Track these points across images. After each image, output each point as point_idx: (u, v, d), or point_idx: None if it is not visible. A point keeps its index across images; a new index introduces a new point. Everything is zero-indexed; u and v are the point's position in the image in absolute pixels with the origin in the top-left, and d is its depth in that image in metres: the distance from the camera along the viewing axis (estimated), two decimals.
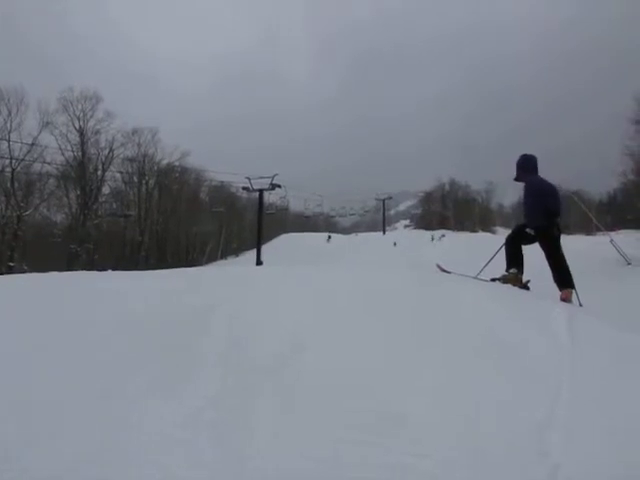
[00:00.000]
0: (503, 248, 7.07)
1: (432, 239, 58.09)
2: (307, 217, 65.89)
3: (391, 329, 3.92)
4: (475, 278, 6.98)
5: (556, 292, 6.36)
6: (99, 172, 58.65)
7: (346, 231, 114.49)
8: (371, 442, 2.45)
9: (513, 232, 7.19)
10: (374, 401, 2.84)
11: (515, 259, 6.82)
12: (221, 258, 74.89)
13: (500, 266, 6.92)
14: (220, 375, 3.29)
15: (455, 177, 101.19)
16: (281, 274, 6.53)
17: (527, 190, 6.94)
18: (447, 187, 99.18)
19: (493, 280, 6.75)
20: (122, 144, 61.57)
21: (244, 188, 40.97)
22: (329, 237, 64.37)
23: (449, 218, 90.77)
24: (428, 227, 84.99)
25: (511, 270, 6.75)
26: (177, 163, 67.56)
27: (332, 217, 69.85)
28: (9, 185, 50.48)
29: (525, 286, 6.55)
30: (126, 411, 2.88)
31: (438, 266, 8.24)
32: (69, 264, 48.84)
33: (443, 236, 61.09)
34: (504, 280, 6.65)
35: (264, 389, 3.06)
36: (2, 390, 3.10)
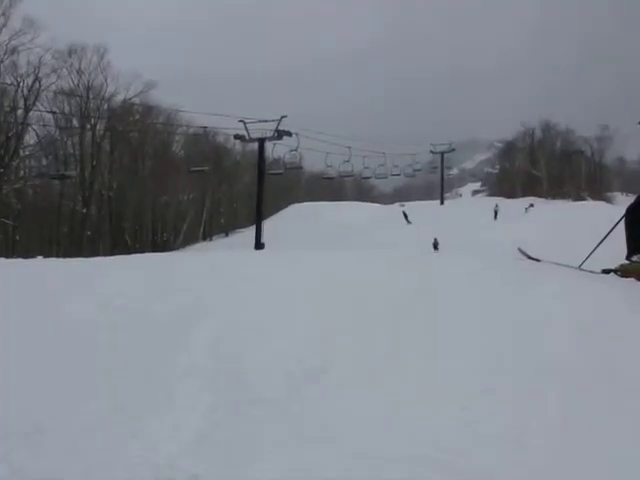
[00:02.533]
0: (622, 225, 6.99)
1: (495, 215, 54.98)
2: (329, 179, 65.57)
3: (442, 358, 3.95)
4: (579, 269, 6.93)
5: None
6: (20, 111, 57.93)
7: (386, 199, 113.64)
8: None
9: (638, 200, 7.09)
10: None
11: None
12: (204, 239, 75.06)
13: (617, 252, 6.85)
14: (205, 407, 3.35)
15: (551, 119, 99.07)
16: (287, 267, 6.59)
17: None
18: (538, 134, 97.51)
19: (606, 272, 6.69)
20: (54, 70, 60.53)
21: (237, 137, 40.82)
22: (405, 216, 57.90)
23: (540, 180, 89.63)
24: (509, 193, 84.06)
25: (634, 258, 6.68)
26: (137, 100, 67.32)
27: (366, 179, 69.29)
28: None
29: None
30: (62, 460, 2.92)
31: (521, 251, 8.20)
32: None
33: (531, 206, 60.14)
34: (623, 272, 6.57)
35: (265, 428, 3.10)
36: None
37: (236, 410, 3.29)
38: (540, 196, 76.81)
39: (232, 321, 4.59)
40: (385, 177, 59.65)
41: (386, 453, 2.85)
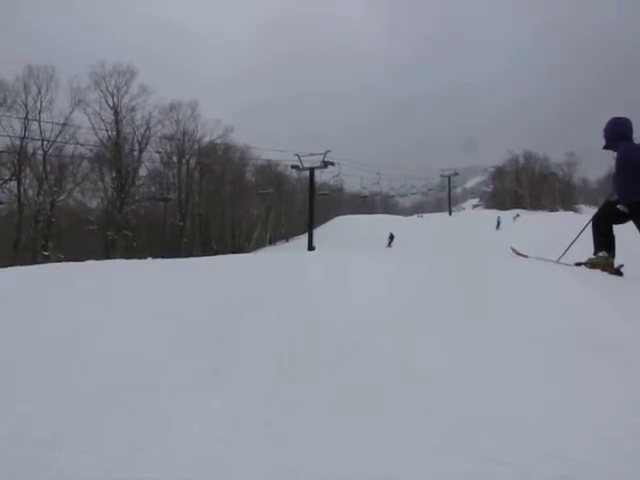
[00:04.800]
0: (589, 229, 6.86)
1: (498, 225, 52.50)
2: (363, 197, 65.72)
3: (464, 326, 3.88)
4: (557, 263, 6.81)
5: None
6: (135, 152, 60.05)
7: (407, 212, 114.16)
8: (442, 447, 2.43)
9: (601, 210, 6.95)
10: (446, 403, 2.82)
11: (605, 241, 6.59)
12: (269, 244, 75.82)
13: (585, 250, 6.72)
14: (274, 369, 3.35)
15: (531, 149, 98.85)
16: (337, 262, 6.59)
17: (619, 159, 6.63)
18: (521, 160, 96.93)
19: (578, 265, 6.56)
20: (159, 121, 62.96)
21: (293, 167, 41.31)
22: (391, 238, 50.14)
23: (524, 196, 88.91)
24: (500, 206, 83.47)
25: (600, 253, 6.53)
26: (219, 141, 68.45)
27: (391, 197, 69.45)
28: (41, 169, 52.30)
29: (617, 272, 6.32)
30: (168, 406, 2.94)
31: (513, 250, 8.08)
32: (107, 252, 50.36)
33: (517, 216, 59.48)
34: (592, 265, 6.44)
35: (323, 387, 3.09)
36: (37, 381, 3.24)
37: (298, 373, 3.27)
38: (524, 208, 76.48)
39: (291, 304, 4.59)
40: (405, 195, 60.06)
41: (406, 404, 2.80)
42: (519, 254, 7.74)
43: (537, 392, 2.87)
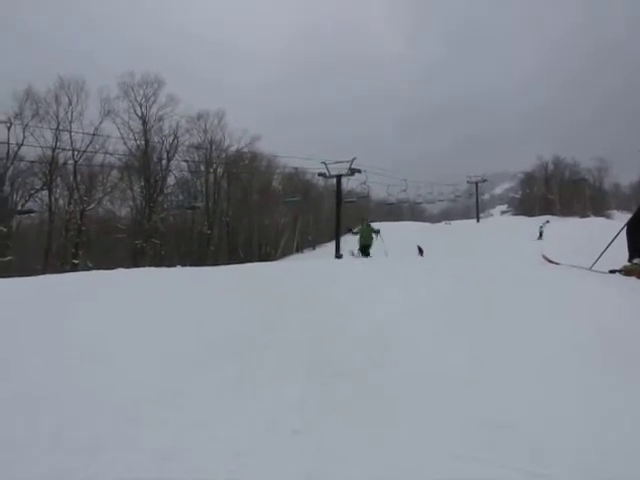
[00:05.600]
0: (622, 235, 6.71)
1: (540, 235, 48.96)
2: (390, 204, 65.33)
3: (494, 334, 3.83)
4: (590, 270, 6.68)
5: None
6: (164, 161, 60.58)
7: (434, 219, 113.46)
8: (468, 455, 2.39)
9: (635, 215, 6.80)
10: (475, 409, 2.77)
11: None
12: (296, 251, 75.89)
13: (621, 256, 6.58)
14: (300, 378, 3.33)
15: (560, 154, 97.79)
16: (363, 270, 6.56)
17: None
18: (551, 166, 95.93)
19: (612, 272, 6.43)
20: (187, 130, 63.40)
21: (320, 174, 41.17)
22: (420, 251, 38.92)
23: (554, 202, 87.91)
24: (529, 212, 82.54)
25: (635, 260, 6.39)
26: (246, 149, 68.85)
27: (418, 204, 68.79)
28: (72, 179, 53.13)
29: None
30: (196, 415, 2.95)
31: (544, 257, 7.98)
32: (135, 260, 50.93)
33: (547, 222, 58.66)
34: (626, 272, 6.30)
35: (349, 394, 3.06)
36: (71, 390, 3.26)
37: (325, 381, 3.26)
38: (554, 214, 75.45)
39: (317, 312, 4.58)
40: (433, 202, 59.44)
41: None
42: (550, 261, 7.64)
43: (553, 395, 2.85)
